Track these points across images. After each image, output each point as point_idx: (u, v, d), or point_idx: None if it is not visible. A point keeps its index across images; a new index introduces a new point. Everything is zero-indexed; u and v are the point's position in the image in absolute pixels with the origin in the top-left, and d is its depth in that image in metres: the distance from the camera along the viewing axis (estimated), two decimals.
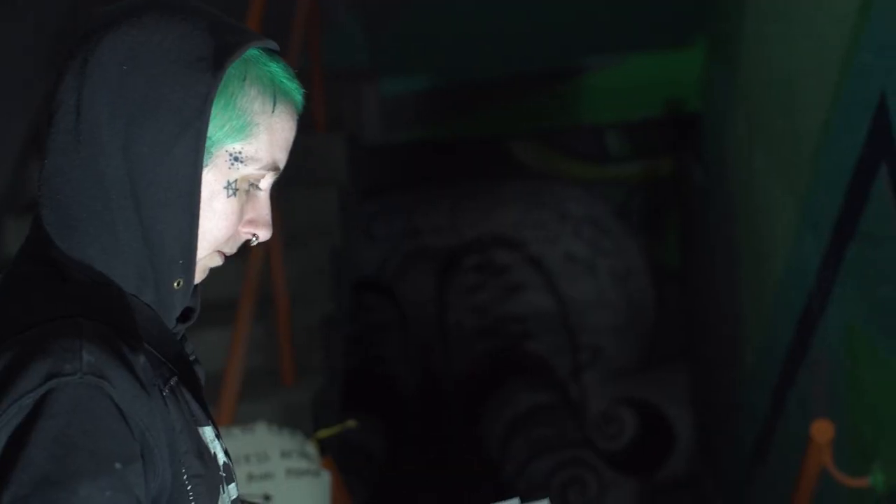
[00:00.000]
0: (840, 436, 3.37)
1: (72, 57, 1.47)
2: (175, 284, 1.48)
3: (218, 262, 1.55)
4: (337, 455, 4.69)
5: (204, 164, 1.46)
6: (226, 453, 1.58)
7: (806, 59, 3.87)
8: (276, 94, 1.50)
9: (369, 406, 7.06)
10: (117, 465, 1.31)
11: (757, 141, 4.67)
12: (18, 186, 5.85)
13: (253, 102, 1.48)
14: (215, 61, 1.45)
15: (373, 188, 6.80)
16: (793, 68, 4.04)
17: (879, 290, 3.30)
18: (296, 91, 1.53)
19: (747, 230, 4.92)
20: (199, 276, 1.54)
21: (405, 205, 7.18)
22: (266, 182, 1.53)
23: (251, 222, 1.53)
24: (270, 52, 1.53)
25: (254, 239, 1.54)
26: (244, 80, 1.48)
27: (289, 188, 5.04)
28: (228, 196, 1.49)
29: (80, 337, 1.34)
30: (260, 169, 1.50)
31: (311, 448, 3.63)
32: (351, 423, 3.62)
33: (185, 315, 1.59)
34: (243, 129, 1.48)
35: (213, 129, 1.46)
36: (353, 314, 6.59)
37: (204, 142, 1.45)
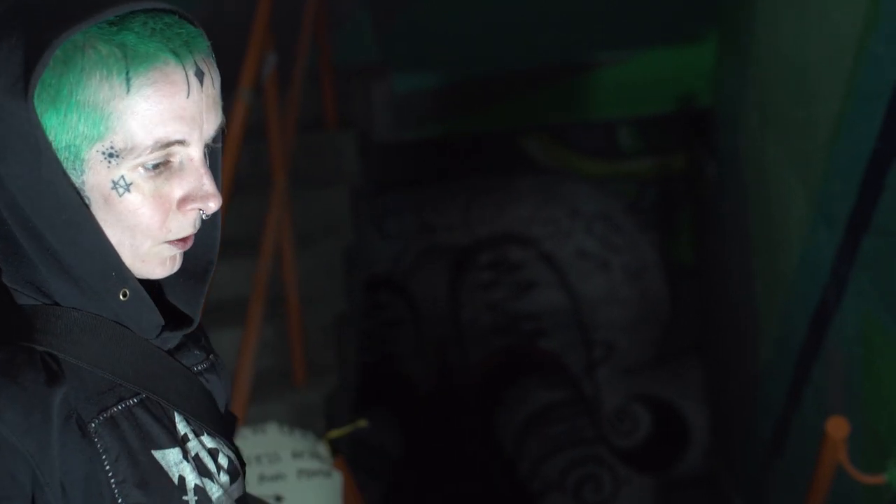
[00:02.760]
0: (856, 431, 3.34)
1: None
2: (121, 296, 1.42)
3: (176, 250, 1.46)
4: (351, 453, 4.68)
5: (81, 174, 1.37)
6: (217, 471, 1.52)
7: (819, 51, 3.84)
8: (128, 68, 1.35)
9: (384, 404, 7.05)
10: None
11: (770, 133, 4.64)
12: None
13: (98, 91, 1.34)
14: (25, 80, 1.33)
15: (384, 185, 6.78)
16: (805, 60, 4.01)
17: (895, 283, 3.27)
18: (163, 49, 1.37)
19: (761, 223, 4.89)
20: (162, 269, 1.46)
21: (417, 202, 7.16)
22: (182, 155, 1.41)
23: (185, 200, 1.42)
24: (126, 18, 1.37)
25: (202, 213, 1.44)
26: (80, 71, 1.34)
27: (300, 186, 5.03)
28: (121, 195, 1.38)
29: None
30: (146, 153, 1.37)
31: (323, 448, 3.61)
32: (362, 422, 3.60)
33: (183, 320, 1.53)
34: (99, 124, 1.36)
35: (67, 137, 1.36)
36: (366, 312, 6.58)
37: (58, 162, 1.36)
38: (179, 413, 1.48)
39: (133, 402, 1.42)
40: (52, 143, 1.36)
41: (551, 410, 7.22)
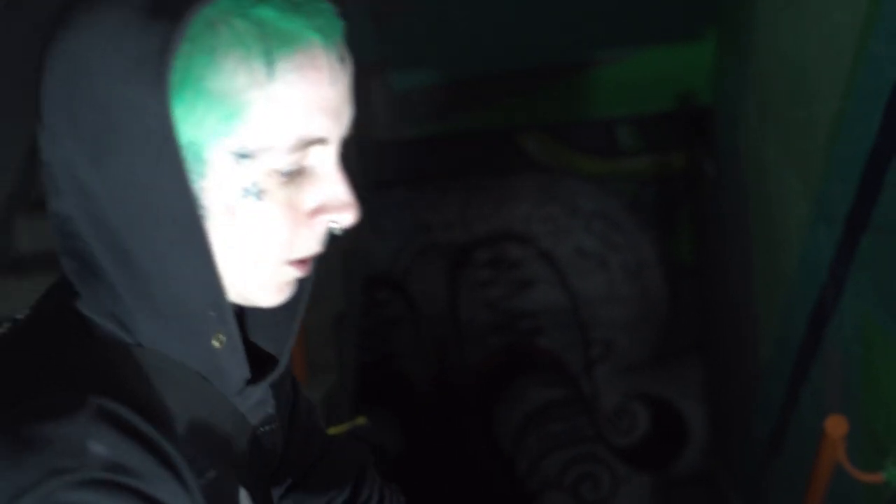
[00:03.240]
0: (854, 430, 3.34)
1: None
2: (216, 343, 1.18)
3: (296, 273, 1.24)
4: None
5: (201, 178, 1.13)
6: None
7: (818, 49, 3.84)
8: (270, 49, 1.11)
9: (383, 402, 7.05)
10: None
11: (769, 132, 4.63)
12: (27, 185, 5.85)
13: (233, 78, 1.10)
14: (157, 58, 1.06)
15: (382, 183, 6.78)
16: (805, 58, 4.01)
17: (894, 283, 3.27)
18: (306, 28, 1.14)
19: (761, 222, 4.89)
20: (278, 295, 1.25)
21: (415, 200, 7.15)
22: (318, 156, 1.20)
23: (319, 211, 1.21)
24: None
25: (335, 227, 1.23)
26: (212, 53, 1.09)
27: None
28: (253, 203, 1.15)
29: (86, 423, 1.05)
30: (283, 153, 1.15)
31: None
32: (361, 419, 3.59)
33: (265, 364, 1.31)
34: (232, 117, 1.11)
35: (190, 132, 1.11)
36: (364, 311, 6.58)
37: (182, 165, 1.10)
38: (244, 489, 1.29)
39: (212, 474, 1.21)
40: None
41: (550, 409, 7.22)
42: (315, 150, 1.18)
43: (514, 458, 7.23)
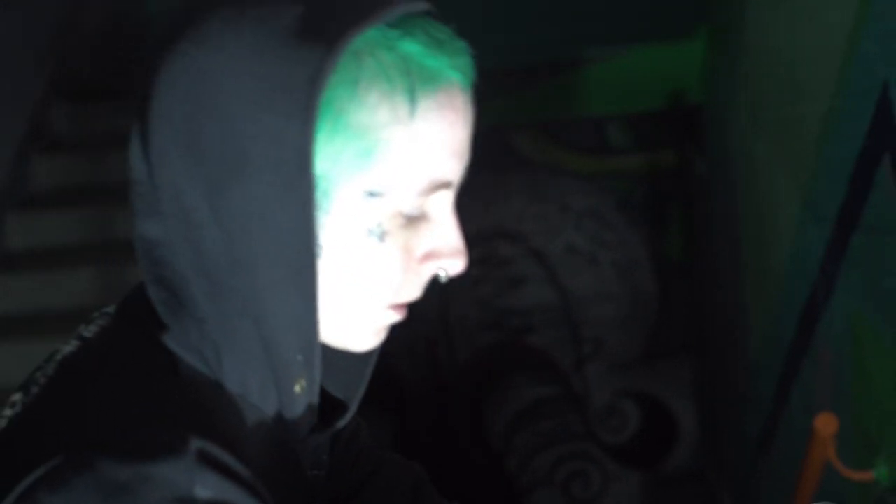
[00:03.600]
0: (844, 428, 3.34)
1: (137, 94, 1.11)
2: (297, 388, 1.12)
3: (397, 318, 1.21)
4: None
5: (325, 214, 1.07)
6: None
7: (808, 48, 3.84)
8: (413, 87, 1.07)
9: (374, 400, 7.04)
10: None
11: (759, 131, 4.64)
12: (18, 181, 5.84)
13: (375, 113, 1.05)
14: (306, 87, 1.00)
15: None
16: (795, 57, 4.02)
17: (884, 281, 3.28)
18: (449, 68, 1.11)
19: (751, 220, 4.90)
20: (374, 339, 1.22)
21: None
22: (438, 201, 1.15)
23: (430, 256, 1.18)
24: (404, 21, 1.09)
25: (442, 274, 1.20)
26: (355, 85, 1.04)
27: None
28: (373, 245, 1.10)
29: (192, 467, 0.98)
30: (412, 195, 1.11)
31: None
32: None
33: (331, 409, 1.26)
34: (369, 153, 1.06)
35: (325, 166, 1.05)
36: None
37: (312, 199, 1.04)
38: None
39: None
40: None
41: (540, 406, 7.22)
42: (437, 194, 1.15)
43: (505, 456, 7.23)
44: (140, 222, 1.09)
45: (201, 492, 0.95)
